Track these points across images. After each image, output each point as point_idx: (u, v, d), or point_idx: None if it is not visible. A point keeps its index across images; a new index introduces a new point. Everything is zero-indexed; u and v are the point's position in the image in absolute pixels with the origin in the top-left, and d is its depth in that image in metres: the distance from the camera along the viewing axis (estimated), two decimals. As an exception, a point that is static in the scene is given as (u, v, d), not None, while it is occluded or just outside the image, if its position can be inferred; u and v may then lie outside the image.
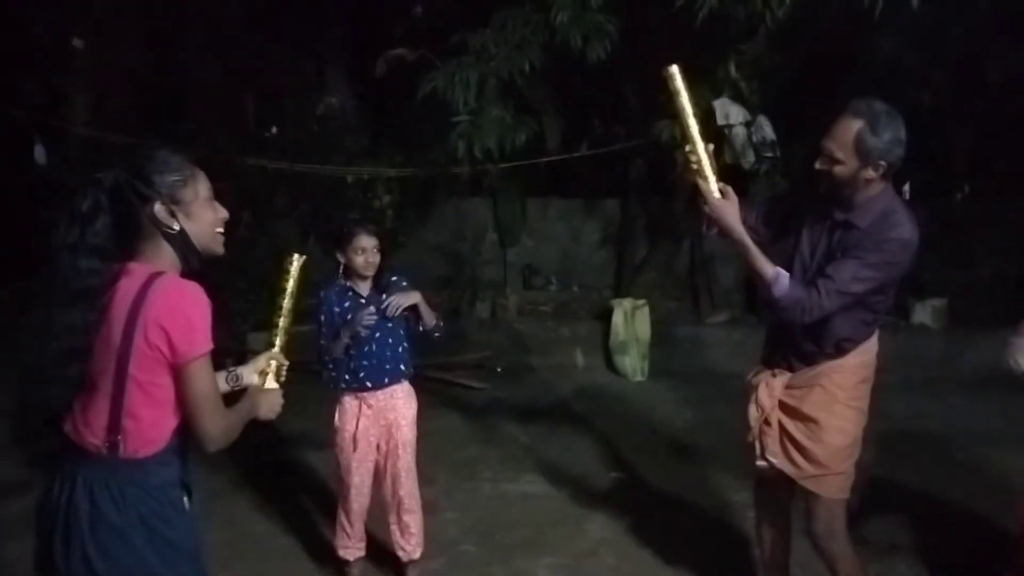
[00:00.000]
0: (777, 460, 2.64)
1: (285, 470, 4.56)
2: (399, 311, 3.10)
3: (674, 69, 2.45)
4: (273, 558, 3.52)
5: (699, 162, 2.47)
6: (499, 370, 6.70)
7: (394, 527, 3.28)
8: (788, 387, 2.63)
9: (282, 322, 2.09)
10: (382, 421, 3.21)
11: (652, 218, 7.35)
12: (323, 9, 7.54)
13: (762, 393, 2.66)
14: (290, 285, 2.12)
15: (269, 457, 4.61)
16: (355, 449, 3.21)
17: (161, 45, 7.35)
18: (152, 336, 1.72)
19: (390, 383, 3.19)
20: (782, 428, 2.64)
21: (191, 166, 1.87)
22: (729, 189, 2.50)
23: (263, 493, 4.19)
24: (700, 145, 2.46)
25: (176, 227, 1.81)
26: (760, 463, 2.69)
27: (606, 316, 6.87)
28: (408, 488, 3.24)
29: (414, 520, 3.27)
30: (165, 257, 1.82)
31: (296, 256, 2.15)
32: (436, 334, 3.25)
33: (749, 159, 5.51)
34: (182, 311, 1.74)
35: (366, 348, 3.14)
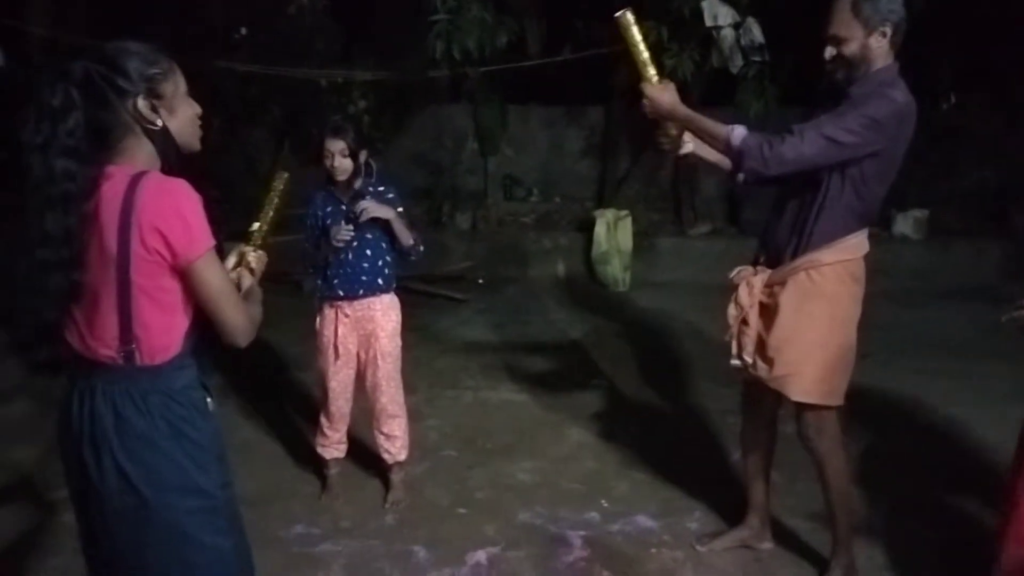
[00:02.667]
0: (751, 360, 2.62)
1: (269, 380, 4.55)
2: (366, 217, 3.00)
3: (628, 17, 2.36)
4: (259, 464, 3.55)
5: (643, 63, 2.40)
6: (480, 281, 6.67)
7: (378, 432, 3.30)
8: (767, 285, 2.59)
9: (260, 230, 2.01)
10: (360, 331, 3.18)
11: (636, 127, 7.19)
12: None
13: (742, 292, 2.63)
14: (273, 201, 2.05)
15: (253, 367, 4.59)
16: (333, 355, 3.20)
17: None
18: (150, 241, 1.63)
19: (365, 295, 3.13)
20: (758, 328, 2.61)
21: (166, 58, 1.75)
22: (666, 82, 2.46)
23: (248, 402, 4.19)
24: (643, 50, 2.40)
25: (159, 123, 1.71)
26: (734, 362, 2.67)
27: (588, 227, 6.82)
28: (391, 395, 3.24)
29: (398, 424, 3.28)
30: (144, 155, 1.72)
31: (282, 173, 2.10)
32: (412, 257, 3.16)
33: (737, 63, 5.37)
34: (176, 211, 1.65)
35: (342, 257, 3.09)
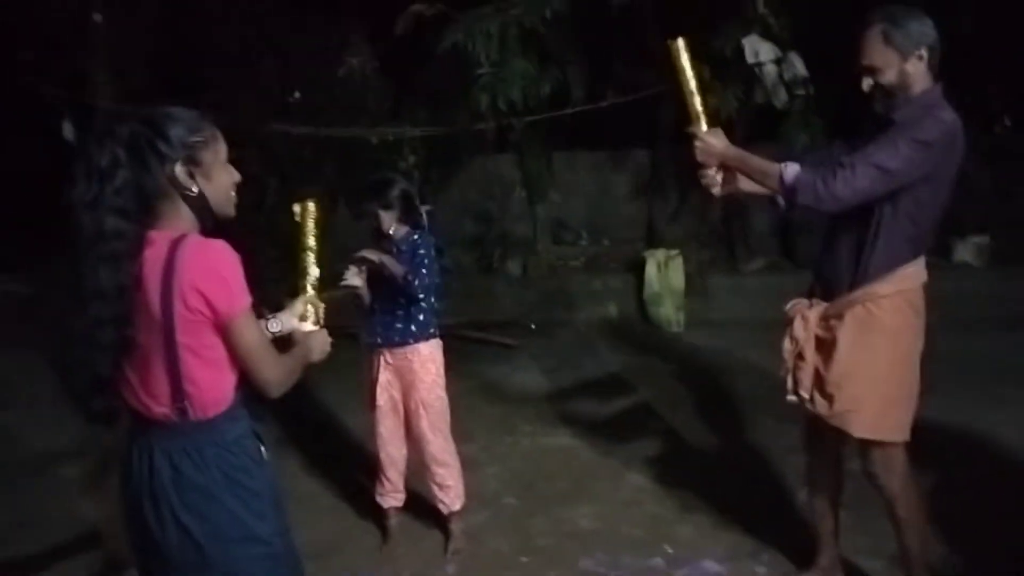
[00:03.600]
0: (808, 396, 2.57)
1: (328, 431, 4.60)
2: (357, 259, 3.05)
3: (680, 43, 2.46)
4: (320, 515, 3.59)
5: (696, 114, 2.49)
6: (533, 326, 6.68)
7: (431, 482, 3.30)
8: (823, 318, 2.55)
9: (306, 265, 2.05)
10: (402, 380, 3.23)
11: (683, 166, 7.18)
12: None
13: (797, 326, 2.59)
14: (307, 229, 2.08)
15: (312, 419, 4.66)
16: (378, 401, 3.26)
17: (180, 13, 7.29)
18: (191, 301, 1.71)
19: (402, 342, 3.17)
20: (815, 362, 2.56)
21: (210, 125, 1.83)
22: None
23: (307, 454, 4.24)
24: (697, 104, 2.48)
25: (195, 190, 1.79)
26: (790, 398, 2.62)
27: (639, 268, 6.80)
28: (438, 444, 3.24)
29: (449, 473, 3.28)
30: (183, 219, 1.79)
31: (305, 203, 2.11)
32: (409, 290, 3.06)
33: (781, 98, 5.37)
34: (215, 271, 1.73)
35: (376, 305, 3.17)
